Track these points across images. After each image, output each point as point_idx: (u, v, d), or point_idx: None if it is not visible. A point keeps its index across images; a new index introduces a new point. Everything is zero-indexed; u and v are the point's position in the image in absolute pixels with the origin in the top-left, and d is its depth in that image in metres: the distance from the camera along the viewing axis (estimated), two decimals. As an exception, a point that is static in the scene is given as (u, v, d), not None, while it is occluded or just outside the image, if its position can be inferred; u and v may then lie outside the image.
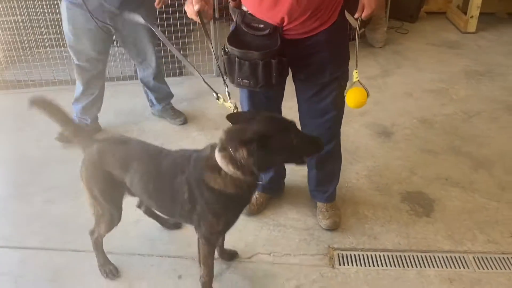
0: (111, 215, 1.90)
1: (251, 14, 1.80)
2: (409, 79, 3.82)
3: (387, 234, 2.24)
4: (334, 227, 2.25)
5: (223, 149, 1.57)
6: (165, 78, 3.29)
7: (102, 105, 3.11)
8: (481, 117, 3.24)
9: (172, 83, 3.79)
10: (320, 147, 1.63)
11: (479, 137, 3.00)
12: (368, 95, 1.80)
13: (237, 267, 2.07)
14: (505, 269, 2.03)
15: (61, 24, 2.81)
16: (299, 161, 1.67)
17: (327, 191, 2.31)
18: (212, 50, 1.83)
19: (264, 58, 1.72)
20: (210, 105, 3.47)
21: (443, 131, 3.08)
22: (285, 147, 1.53)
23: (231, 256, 2.10)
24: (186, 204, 1.71)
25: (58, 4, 3.29)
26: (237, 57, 1.74)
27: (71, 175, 2.65)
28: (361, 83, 1.80)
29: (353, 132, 3.05)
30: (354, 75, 1.81)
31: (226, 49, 1.77)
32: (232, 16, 1.89)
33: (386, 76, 3.88)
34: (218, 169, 1.60)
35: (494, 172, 2.66)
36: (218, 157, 1.58)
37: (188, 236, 2.13)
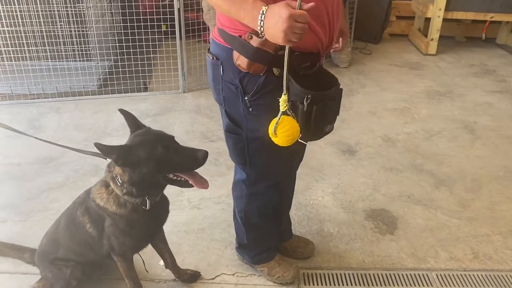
0: None
1: (297, 53, 1.41)
2: (373, 99, 3.89)
3: (351, 252, 2.23)
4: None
5: (108, 167, 1.63)
6: (130, 94, 3.21)
7: (62, 121, 2.99)
8: (441, 135, 3.32)
9: (137, 98, 3.75)
10: (198, 161, 1.53)
11: (439, 156, 3.06)
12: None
13: (199, 288, 2.01)
14: (467, 286, 2.05)
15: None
16: (182, 183, 1.59)
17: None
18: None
19: (340, 93, 1.53)
20: (175, 121, 3.43)
21: (405, 149, 3.13)
22: (151, 158, 1.50)
23: (192, 277, 2.03)
24: (93, 233, 1.69)
25: (15, 16, 3.19)
26: (321, 103, 1.41)
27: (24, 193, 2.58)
28: (290, 113, 1.39)
29: (318, 150, 3.06)
30: (282, 104, 1.38)
31: (305, 101, 1.38)
32: (271, 65, 1.44)
33: (351, 95, 3.94)
34: (106, 185, 1.64)
35: (454, 190, 2.71)
36: (106, 176, 1.64)
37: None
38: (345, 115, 3.54)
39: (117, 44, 3.77)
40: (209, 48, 1.60)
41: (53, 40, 3.58)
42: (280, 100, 1.38)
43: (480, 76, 4.45)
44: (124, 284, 1.87)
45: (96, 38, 3.70)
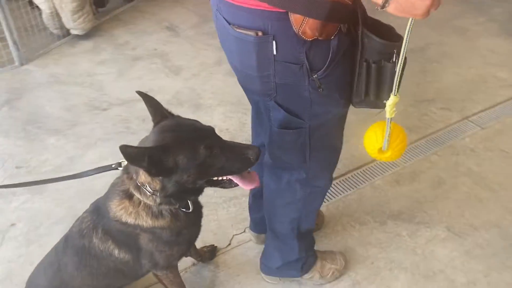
0: None
1: None
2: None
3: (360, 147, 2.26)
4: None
5: (126, 173, 1.23)
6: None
7: None
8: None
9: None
10: (250, 162, 1.16)
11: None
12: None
13: (224, 260, 1.79)
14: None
15: None
16: (226, 183, 1.22)
17: None
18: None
19: None
20: (42, 101, 2.75)
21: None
22: (191, 163, 1.11)
23: (212, 253, 1.79)
24: (126, 258, 1.30)
25: None
26: (404, 55, 1.03)
27: None
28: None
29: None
30: (391, 108, 1.09)
31: (395, 57, 1.03)
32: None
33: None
34: (129, 196, 1.22)
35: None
36: (126, 184, 1.23)
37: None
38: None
39: None
40: (229, 23, 1.08)
41: None
42: (388, 105, 1.04)
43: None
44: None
45: None
